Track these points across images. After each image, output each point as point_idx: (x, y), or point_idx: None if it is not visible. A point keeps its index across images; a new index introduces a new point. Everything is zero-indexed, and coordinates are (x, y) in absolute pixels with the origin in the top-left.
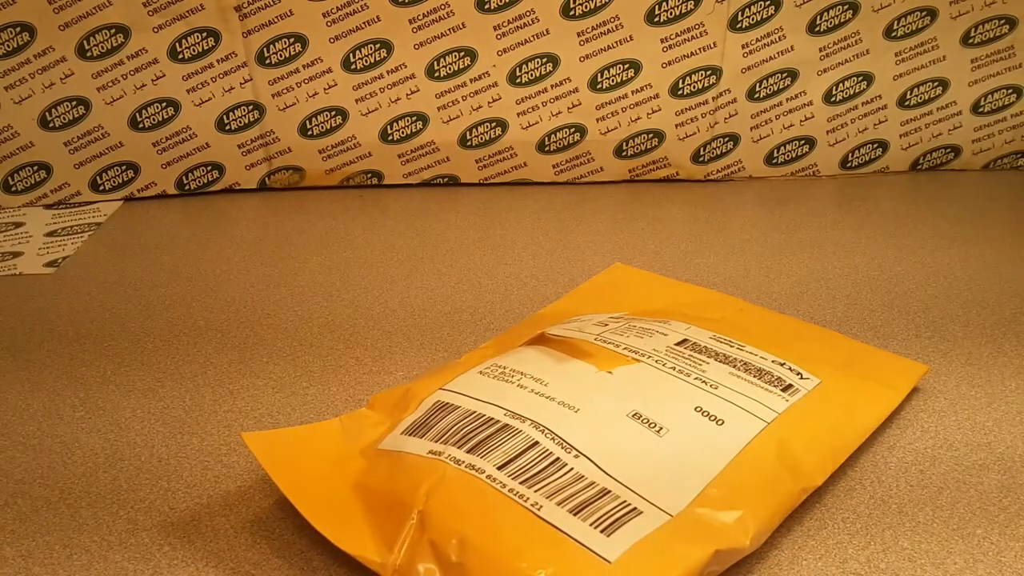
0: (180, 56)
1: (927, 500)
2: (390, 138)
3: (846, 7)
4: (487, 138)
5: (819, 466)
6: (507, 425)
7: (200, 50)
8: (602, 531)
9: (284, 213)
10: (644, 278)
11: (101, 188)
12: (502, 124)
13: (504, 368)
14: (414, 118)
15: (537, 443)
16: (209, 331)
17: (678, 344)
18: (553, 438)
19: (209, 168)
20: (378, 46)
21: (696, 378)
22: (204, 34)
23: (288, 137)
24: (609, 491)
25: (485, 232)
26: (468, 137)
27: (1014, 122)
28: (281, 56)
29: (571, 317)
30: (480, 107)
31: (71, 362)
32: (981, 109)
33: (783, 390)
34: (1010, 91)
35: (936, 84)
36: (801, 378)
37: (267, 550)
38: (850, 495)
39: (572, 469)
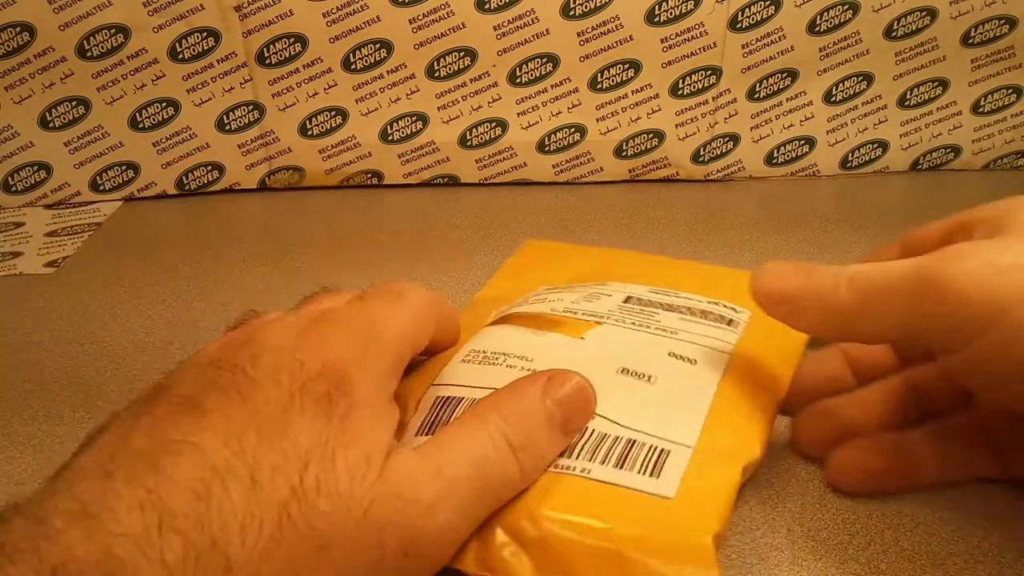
0: (180, 56)
1: (927, 500)
2: (390, 138)
3: (846, 7)
4: (487, 138)
5: (783, 375)
6: None
7: (200, 50)
8: (650, 475)
9: (284, 213)
10: (561, 249)
11: (101, 188)
12: (502, 124)
13: (485, 352)
14: (414, 118)
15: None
16: (209, 331)
17: (625, 302)
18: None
19: (209, 168)
20: (378, 46)
21: (656, 328)
22: (204, 34)
23: (288, 137)
24: (635, 440)
25: (485, 232)
26: (468, 137)
27: (1014, 122)
28: (281, 56)
29: (513, 296)
30: (480, 107)
31: (71, 362)
32: (981, 109)
33: (728, 324)
34: (1010, 91)
35: (936, 84)
36: (736, 312)
37: None
38: (850, 497)
39: (594, 431)
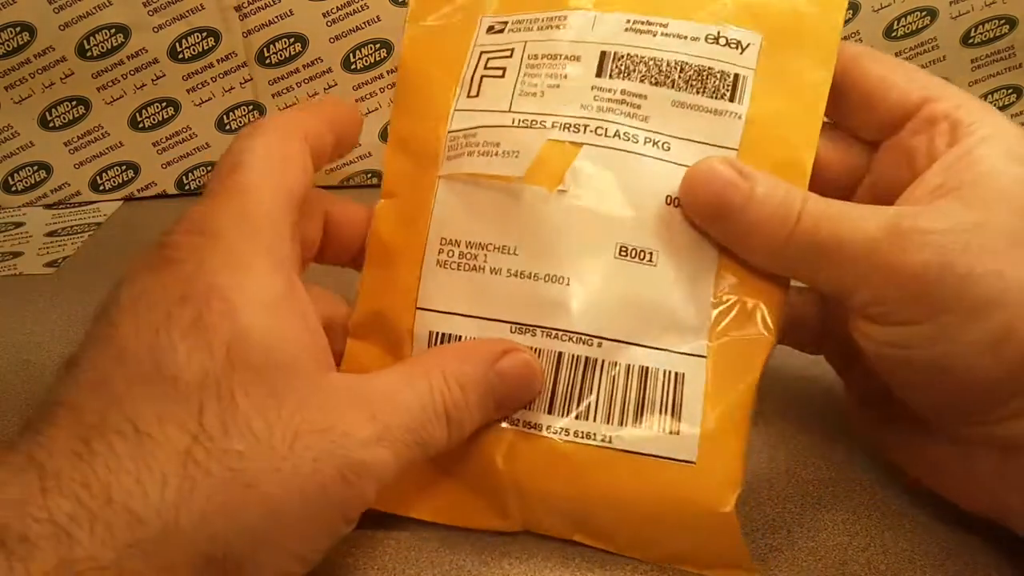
0: (180, 56)
1: (928, 501)
2: None
3: (847, 7)
4: None
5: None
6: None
7: (200, 50)
8: (670, 432)
9: None
10: None
11: (101, 188)
12: None
13: (459, 245)
14: None
15: (561, 355)
16: None
17: (599, 74)
18: (569, 338)
19: (209, 168)
20: (378, 46)
21: (645, 140)
22: (204, 34)
23: None
24: (648, 368)
25: None
26: None
27: (1015, 122)
28: (281, 56)
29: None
30: None
31: None
32: None
33: (731, 99)
34: (1010, 91)
35: None
36: (741, 51)
37: None
38: (850, 497)
39: (605, 369)
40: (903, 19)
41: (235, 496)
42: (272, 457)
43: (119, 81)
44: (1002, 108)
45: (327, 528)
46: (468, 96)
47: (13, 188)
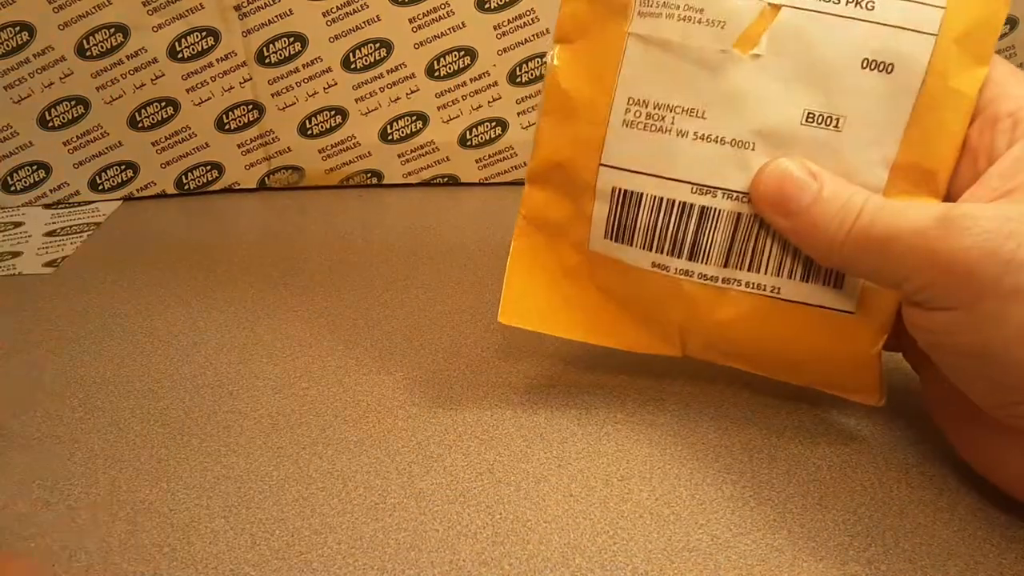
0: (180, 55)
1: (928, 501)
2: (390, 138)
3: None
4: (487, 138)
5: (976, 76)
6: (705, 209)
7: (200, 49)
8: (834, 286)
9: (284, 213)
10: None
11: (100, 188)
12: (502, 124)
13: (647, 106)
14: (414, 118)
15: (739, 215)
16: (208, 331)
17: None
18: (749, 200)
19: (209, 168)
20: (378, 45)
21: (848, 1)
22: (204, 33)
23: (288, 137)
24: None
25: (485, 232)
26: (468, 137)
27: None
28: (281, 55)
29: None
30: (480, 107)
31: (70, 362)
32: None
33: None
34: None
35: None
36: None
37: (266, 551)
38: (851, 497)
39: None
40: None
41: None
42: None
43: (118, 81)
44: None
45: None
46: None
47: (12, 188)
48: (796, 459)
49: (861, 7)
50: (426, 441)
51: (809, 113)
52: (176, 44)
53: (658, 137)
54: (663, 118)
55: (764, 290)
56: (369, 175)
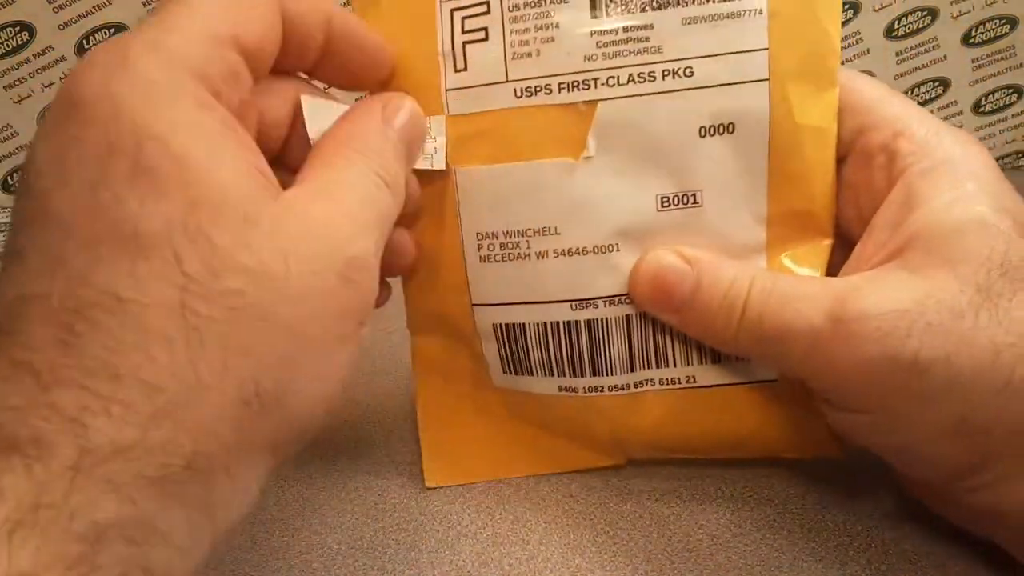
0: None
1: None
2: None
3: (847, 7)
4: None
5: (827, 82)
6: (592, 322)
7: None
8: (749, 360)
9: None
10: None
11: None
12: None
13: (497, 237)
14: None
15: (629, 317)
16: None
17: (594, 13)
18: (632, 299)
19: None
20: None
21: (664, 74)
22: None
23: None
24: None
25: None
26: None
27: (1015, 122)
28: None
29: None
30: None
31: None
32: (982, 109)
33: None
34: (1011, 91)
35: (937, 84)
36: None
37: (266, 551)
38: (851, 499)
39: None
40: (904, 19)
41: (250, 333)
42: (273, 283)
43: None
44: (1003, 108)
45: (348, 337)
46: (456, 71)
47: (12, 188)
48: (797, 460)
49: (680, 76)
50: None
51: (663, 198)
52: None
53: (519, 264)
54: (518, 244)
55: (679, 383)
56: None
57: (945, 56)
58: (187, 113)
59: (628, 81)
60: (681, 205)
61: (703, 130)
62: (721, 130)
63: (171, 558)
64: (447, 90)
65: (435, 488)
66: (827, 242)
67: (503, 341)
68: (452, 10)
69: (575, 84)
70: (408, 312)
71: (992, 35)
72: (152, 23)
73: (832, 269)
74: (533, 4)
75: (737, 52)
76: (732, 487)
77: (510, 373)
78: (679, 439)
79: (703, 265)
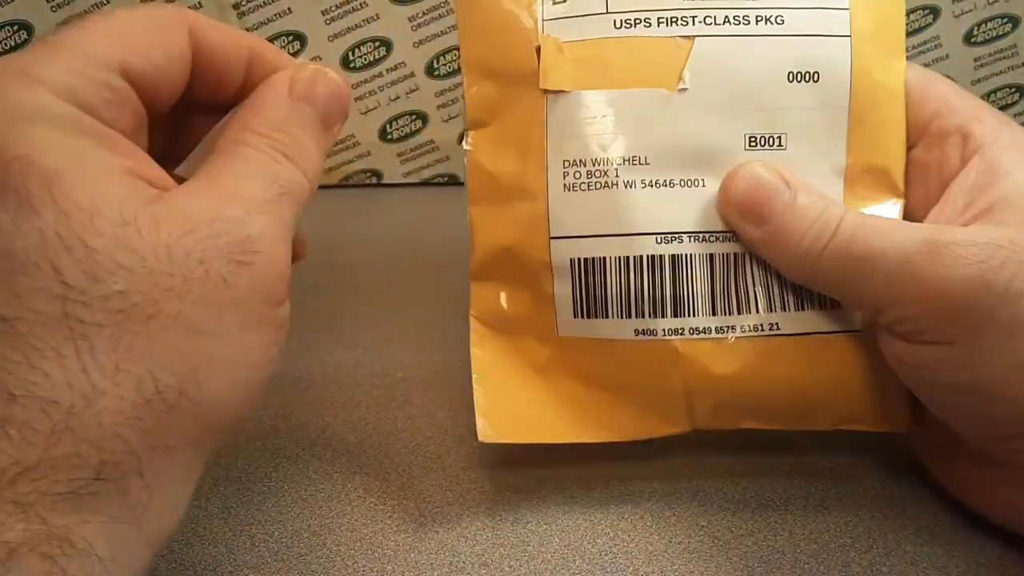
0: None
1: (930, 503)
2: (389, 137)
3: None
4: None
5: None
6: (676, 257)
7: None
8: (832, 307)
9: None
10: None
11: None
12: None
13: (584, 164)
14: (413, 116)
15: (712, 256)
16: None
17: None
18: (716, 238)
19: None
20: (377, 44)
21: (757, 19)
22: None
23: None
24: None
25: None
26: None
27: (1017, 121)
28: None
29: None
30: None
31: None
32: None
33: None
34: (1012, 90)
35: None
36: None
37: (266, 553)
38: (853, 499)
39: (755, 259)
40: (905, 18)
41: (139, 333)
42: (155, 280)
43: None
44: (1005, 107)
45: (256, 319)
46: (554, 3)
47: None
48: (798, 461)
49: (772, 23)
50: (425, 442)
51: (751, 136)
52: None
53: (605, 194)
54: (605, 172)
55: (762, 330)
56: (368, 174)
57: (947, 55)
58: (54, 132)
59: (724, 22)
60: (767, 147)
61: (791, 75)
62: (807, 77)
63: (94, 569)
64: (544, 19)
65: (484, 444)
66: (901, 202)
67: (580, 278)
68: None
69: (673, 19)
70: (472, 250)
71: (994, 34)
72: (34, 47)
73: None
74: None
75: (823, 8)
76: (733, 488)
77: (582, 316)
78: (757, 396)
79: (799, 186)
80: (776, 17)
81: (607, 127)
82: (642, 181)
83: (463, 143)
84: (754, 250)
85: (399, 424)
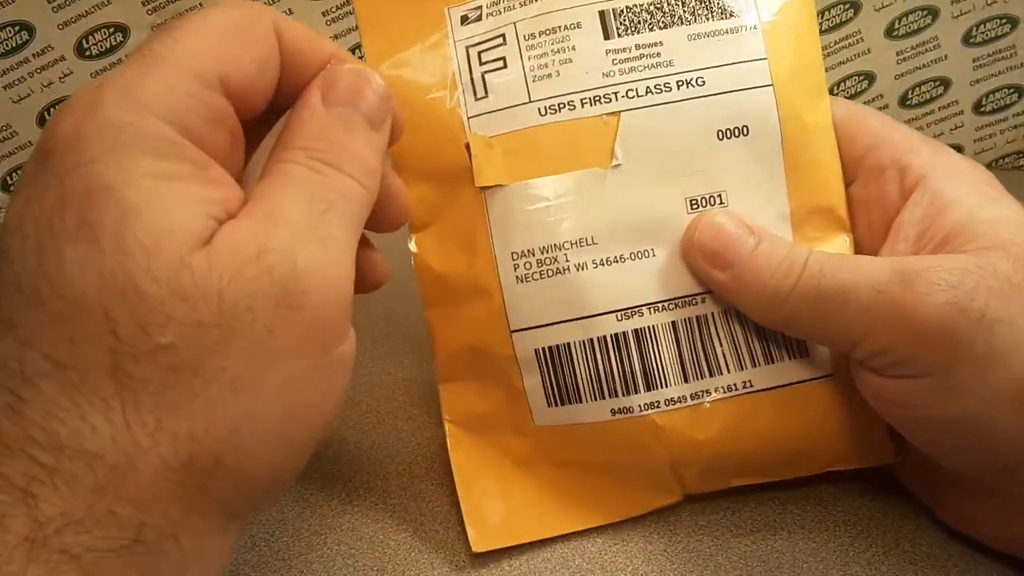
0: None
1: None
2: None
3: (847, 6)
4: None
5: (817, 91)
6: (639, 331)
7: None
8: (800, 355)
9: None
10: None
11: None
12: None
13: (534, 254)
14: None
15: (675, 323)
16: None
17: (606, 35)
18: (675, 305)
19: None
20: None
21: (679, 84)
22: None
23: None
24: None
25: None
26: None
27: (1015, 122)
28: None
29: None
30: None
31: None
32: (983, 109)
33: (741, 13)
34: (1012, 91)
35: (938, 83)
36: None
37: (266, 552)
38: (851, 498)
39: (718, 319)
40: (904, 18)
41: (184, 390)
42: (203, 333)
43: None
44: (1003, 108)
45: (305, 369)
46: (476, 99)
47: (12, 188)
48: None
49: (694, 86)
50: (426, 442)
51: (691, 199)
52: None
53: (559, 280)
54: (556, 259)
55: (736, 389)
56: None
57: (946, 56)
58: (148, 160)
59: (646, 92)
60: (709, 206)
61: (720, 133)
62: (737, 132)
63: None
64: (469, 117)
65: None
66: (850, 237)
67: (547, 367)
68: (466, 46)
69: (596, 98)
70: (435, 355)
71: (993, 35)
72: (134, 62)
73: None
74: (548, 32)
75: (741, 62)
76: (733, 488)
77: (556, 404)
78: (739, 456)
79: (763, 232)
80: (697, 79)
81: (549, 214)
82: (593, 261)
83: (409, 246)
84: (723, 295)
85: (400, 424)
